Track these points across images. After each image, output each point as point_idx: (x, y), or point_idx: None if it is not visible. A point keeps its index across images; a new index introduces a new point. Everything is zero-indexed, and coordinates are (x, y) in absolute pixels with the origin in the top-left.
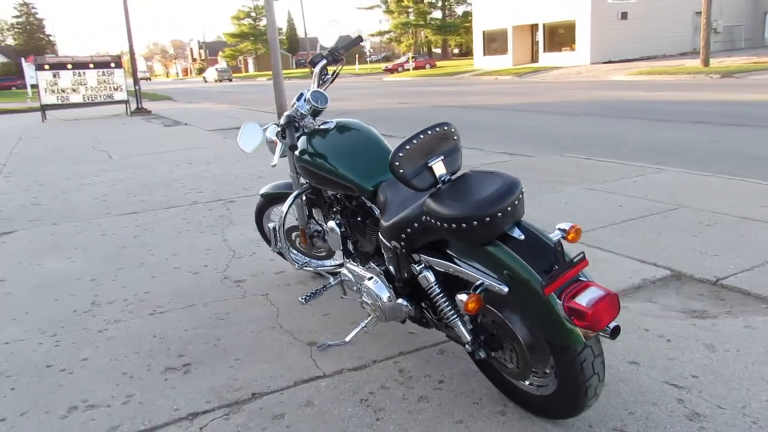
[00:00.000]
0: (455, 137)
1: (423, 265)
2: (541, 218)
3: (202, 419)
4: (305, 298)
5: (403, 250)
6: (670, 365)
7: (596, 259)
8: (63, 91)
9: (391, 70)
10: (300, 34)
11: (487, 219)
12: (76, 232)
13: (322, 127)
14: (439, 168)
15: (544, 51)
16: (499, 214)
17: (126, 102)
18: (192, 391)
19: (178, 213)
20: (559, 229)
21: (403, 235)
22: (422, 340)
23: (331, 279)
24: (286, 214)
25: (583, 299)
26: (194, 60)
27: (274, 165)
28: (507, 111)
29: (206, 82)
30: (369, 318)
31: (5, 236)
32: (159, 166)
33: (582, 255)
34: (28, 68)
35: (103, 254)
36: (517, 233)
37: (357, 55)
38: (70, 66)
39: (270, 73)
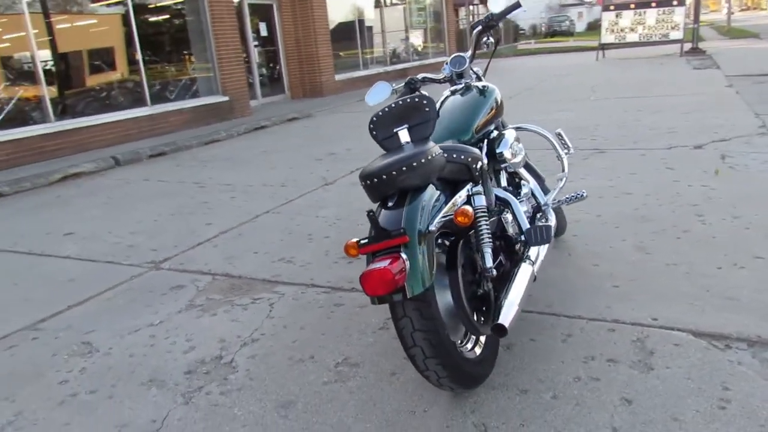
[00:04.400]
0: (426, 108)
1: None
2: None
3: (300, 288)
4: None
5: None
6: (665, 421)
7: None
8: (621, 30)
9: None
10: None
11: (367, 182)
12: None
13: (455, 87)
14: (403, 135)
15: None
16: (375, 179)
17: (681, 41)
18: (324, 275)
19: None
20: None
21: None
22: None
23: None
24: None
25: (370, 266)
26: None
27: None
28: None
29: None
30: None
31: None
32: (614, 109)
33: (402, 230)
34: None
35: None
36: (389, 201)
37: None
38: (632, 6)
39: None
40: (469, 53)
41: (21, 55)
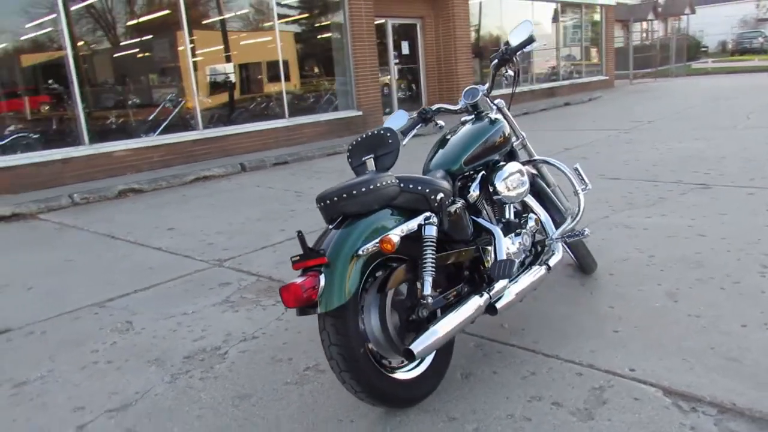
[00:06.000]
0: (390, 141)
1: None
2: None
3: None
4: None
5: None
6: None
7: None
8: None
9: None
10: None
11: (318, 204)
12: None
13: (465, 118)
14: (369, 164)
15: None
16: (322, 203)
17: None
18: None
19: (665, 195)
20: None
21: None
22: (491, 335)
23: None
24: None
25: (292, 280)
26: None
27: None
28: None
29: None
30: None
31: None
32: (755, 140)
33: (322, 251)
34: None
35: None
36: (333, 223)
37: None
38: None
39: None
40: (486, 86)
41: (180, 70)
